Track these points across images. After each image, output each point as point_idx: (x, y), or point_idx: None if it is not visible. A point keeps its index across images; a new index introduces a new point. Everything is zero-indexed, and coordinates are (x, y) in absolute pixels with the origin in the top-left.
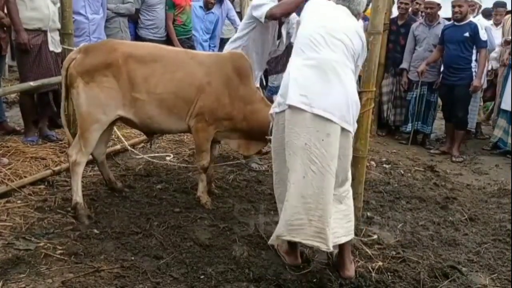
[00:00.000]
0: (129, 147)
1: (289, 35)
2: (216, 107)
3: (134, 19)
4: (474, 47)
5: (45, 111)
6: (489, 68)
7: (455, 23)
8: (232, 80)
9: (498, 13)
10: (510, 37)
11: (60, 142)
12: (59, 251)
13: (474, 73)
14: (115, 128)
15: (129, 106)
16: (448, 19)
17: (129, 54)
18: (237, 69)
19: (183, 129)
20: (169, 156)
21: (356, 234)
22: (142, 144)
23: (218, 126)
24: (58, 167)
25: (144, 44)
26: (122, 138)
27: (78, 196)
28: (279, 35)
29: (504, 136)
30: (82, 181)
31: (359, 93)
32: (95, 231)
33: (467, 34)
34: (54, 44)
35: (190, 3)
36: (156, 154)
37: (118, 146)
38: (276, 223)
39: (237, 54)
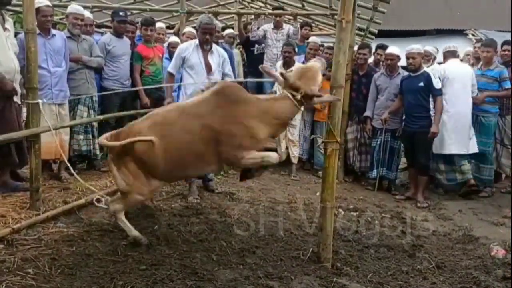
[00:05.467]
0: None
1: (225, 71)
2: None
3: (98, 70)
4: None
5: (5, 162)
6: None
7: (411, 73)
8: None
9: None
10: None
11: (21, 197)
12: None
13: (433, 120)
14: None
15: None
16: (404, 67)
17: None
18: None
19: None
20: None
21: (326, 287)
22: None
23: None
24: (18, 225)
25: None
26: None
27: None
28: (210, 68)
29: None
30: (43, 239)
31: (324, 143)
32: None
33: (421, 84)
34: (17, 96)
35: (160, 54)
36: None
37: (82, 200)
38: (246, 277)
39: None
